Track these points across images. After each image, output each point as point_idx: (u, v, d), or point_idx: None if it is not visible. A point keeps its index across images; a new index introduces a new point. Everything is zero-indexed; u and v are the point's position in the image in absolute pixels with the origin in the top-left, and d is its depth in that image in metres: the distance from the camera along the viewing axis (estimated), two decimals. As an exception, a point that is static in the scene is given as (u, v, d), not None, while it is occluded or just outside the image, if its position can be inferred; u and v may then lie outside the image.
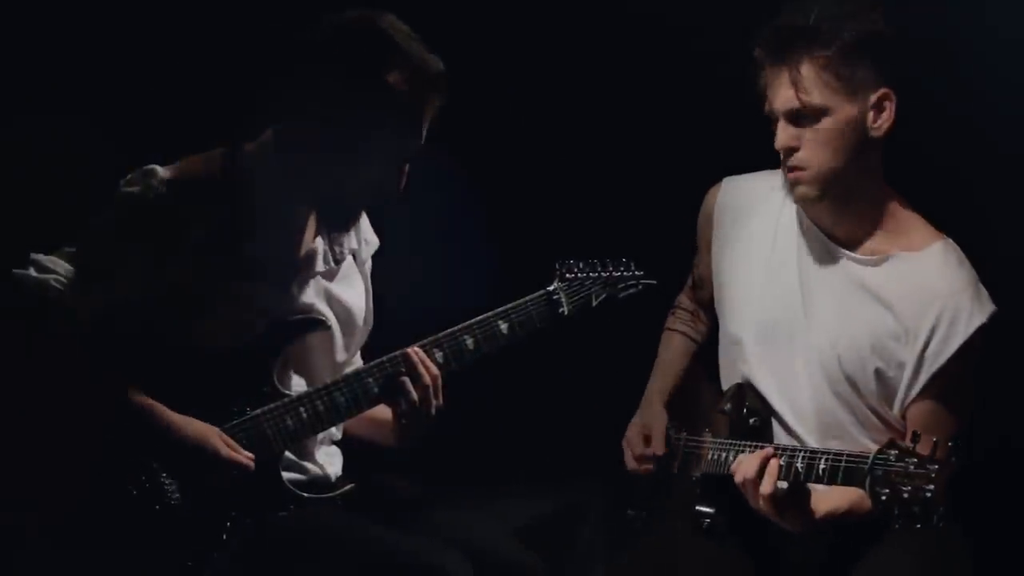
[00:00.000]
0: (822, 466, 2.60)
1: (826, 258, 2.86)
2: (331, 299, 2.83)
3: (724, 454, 2.85)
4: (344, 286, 2.87)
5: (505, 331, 2.84)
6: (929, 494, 2.41)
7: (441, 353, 2.79)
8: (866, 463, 2.50)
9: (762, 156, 2.87)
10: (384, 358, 2.77)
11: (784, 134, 2.77)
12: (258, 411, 2.69)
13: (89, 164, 3.09)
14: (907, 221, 2.85)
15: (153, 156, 2.73)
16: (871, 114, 2.75)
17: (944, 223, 2.86)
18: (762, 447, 2.72)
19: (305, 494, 2.74)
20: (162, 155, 2.74)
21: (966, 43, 3.27)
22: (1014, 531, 3.30)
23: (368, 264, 2.96)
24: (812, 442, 2.81)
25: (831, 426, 2.83)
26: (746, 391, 2.91)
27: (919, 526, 2.43)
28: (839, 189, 2.78)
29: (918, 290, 2.77)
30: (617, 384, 3.39)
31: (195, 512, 2.63)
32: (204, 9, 3.37)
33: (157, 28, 3.36)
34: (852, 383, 2.81)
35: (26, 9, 3.27)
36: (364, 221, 2.94)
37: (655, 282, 3.04)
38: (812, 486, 2.68)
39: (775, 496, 2.65)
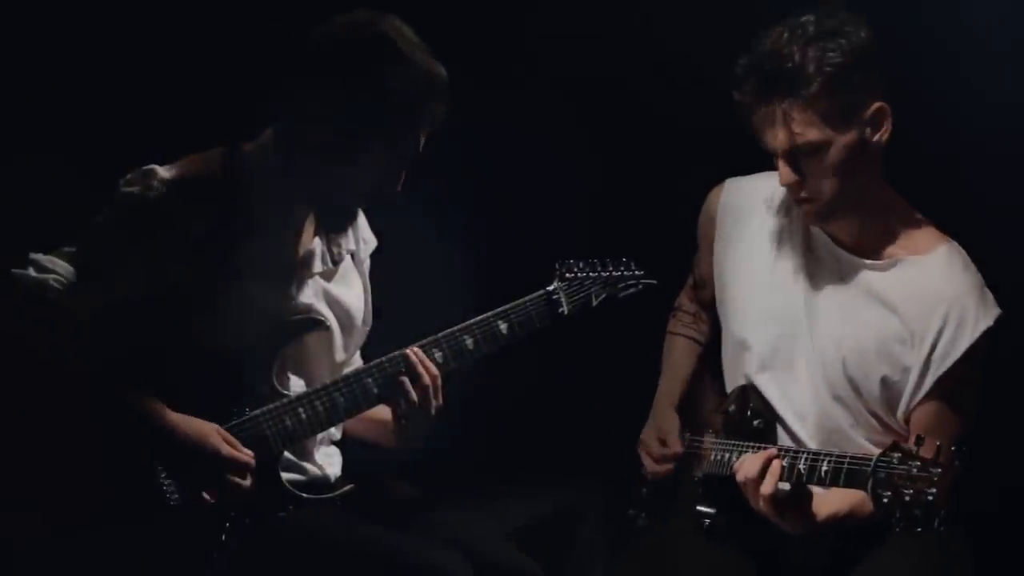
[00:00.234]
0: (824, 468, 2.59)
1: (831, 261, 2.85)
2: (330, 299, 2.83)
3: (727, 455, 2.85)
4: (343, 286, 2.87)
5: (505, 331, 2.84)
6: (931, 497, 2.40)
7: (441, 353, 2.79)
8: (869, 465, 2.50)
9: (763, 156, 2.87)
10: (383, 358, 2.77)
11: (786, 171, 2.74)
12: (257, 412, 2.69)
13: (89, 164, 3.09)
14: (912, 225, 2.84)
15: (153, 156, 2.73)
16: (868, 131, 2.72)
17: (944, 225, 2.86)
18: (765, 448, 2.72)
19: (304, 494, 2.74)
20: (162, 155, 2.74)
21: (958, 40, 3.27)
22: (1015, 534, 3.29)
23: (367, 264, 2.96)
24: (813, 445, 2.80)
25: (832, 429, 2.82)
26: (750, 393, 2.90)
27: (920, 530, 2.42)
28: (847, 203, 2.77)
29: (924, 293, 2.76)
30: (617, 384, 3.40)
31: (194, 512, 2.63)
32: (204, 8, 3.36)
33: (157, 27, 3.36)
34: (855, 386, 2.80)
35: (26, 8, 3.27)
36: (362, 221, 2.94)
37: (655, 281, 3.04)
38: (814, 489, 2.68)
39: (776, 497, 2.65)
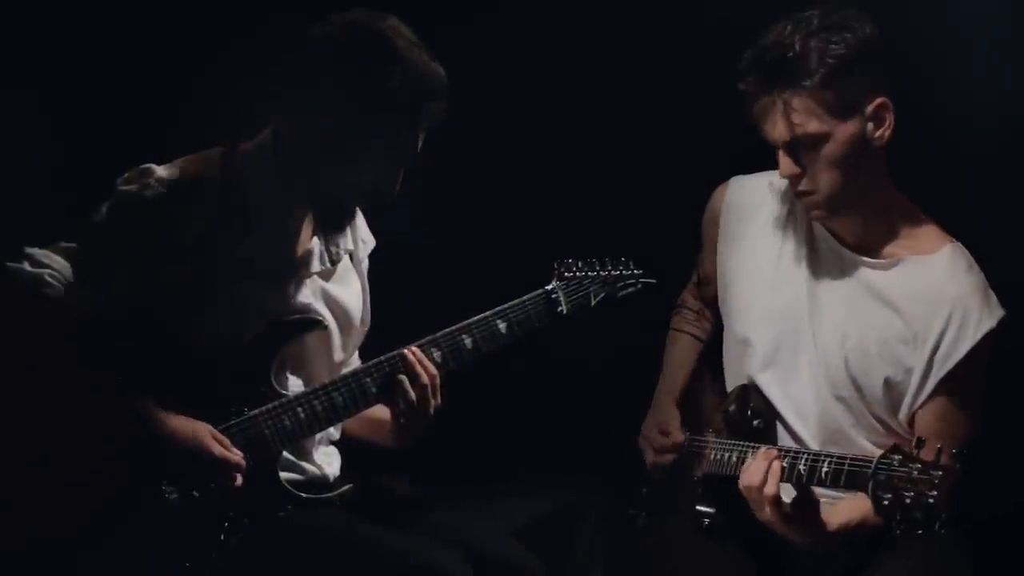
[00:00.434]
0: (825, 469, 2.59)
1: (835, 261, 2.85)
2: (328, 299, 2.83)
3: (727, 454, 2.84)
4: (341, 286, 2.87)
5: (503, 330, 2.84)
6: (932, 500, 2.40)
7: (439, 353, 2.79)
8: (869, 467, 2.49)
9: (763, 155, 2.86)
10: (382, 358, 2.77)
11: (786, 163, 2.74)
12: (256, 411, 2.69)
13: (87, 160, 3.09)
14: (916, 224, 2.83)
15: (151, 155, 2.72)
16: (870, 126, 2.72)
17: (946, 225, 2.86)
18: (765, 448, 2.71)
19: (303, 494, 2.73)
20: (160, 154, 2.73)
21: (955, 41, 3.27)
22: (1015, 536, 3.28)
23: (365, 264, 2.96)
24: (814, 445, 2.80)
25: (833, 429, 2.82)
26: (750, 392, 2.90)
27: (920, 532, 2.42)
28: (849, 200, 2.77)
29: (927, 294, 2.75)
30: (617, 383, 3.39)
31: (193, 512, 2.62)
32: (204, 7, 3.36)
33: (157, 26, 3.36)
34: (857, 386, 2.79)
35: (25, 7, 3.26)
36: (360, 221, 2.94)
37: (654, 281, 3.04)
38: (825, 499, 2.67)
39: (781, 506, 2.63)
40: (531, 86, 3.65)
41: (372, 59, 2.66)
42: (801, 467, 2.63)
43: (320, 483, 2.82)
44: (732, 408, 2.91)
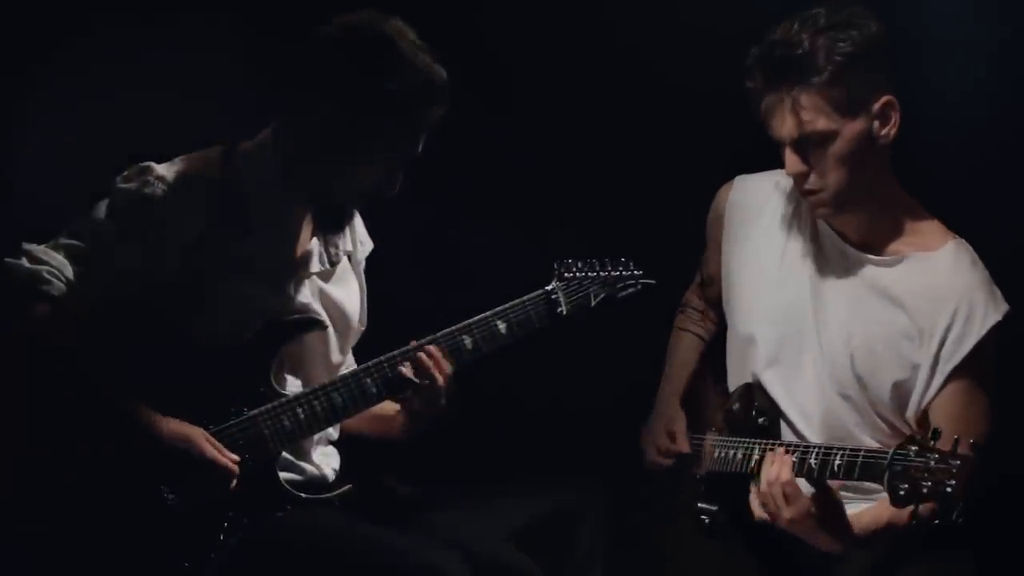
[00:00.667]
0: (838, 462, 2.57)
1: (839, 258, 2.85)
2: (326, 300, 2.83)
3: (730, 452, 2.84)
4: (339, 287, 2.87)
5: (503, 331, 2.84)
6: (950, 489, 2.39)
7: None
8: (885, 458, 2.48)
9: (764, 155, 2.86)
10: (382, 358, 2.77)
11: (793, 160, 2.74)
12: (255, 411, 2.69)
13: (87, 158, 3.09)
14: (920, 221, 2.83)
15: (150, 153, 2.72)
16: (876, 124, 2.72)
17: (947, 224, 2.85)
18: (771, 444, 2.71)
19: (302, 494, 2.73)
20: (159, 152, 2.73)
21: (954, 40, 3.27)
22: (1016, 538, 3.27)
23: (363, 266, 2.96)
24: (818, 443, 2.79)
25: (837, 428, 2.81)
26: (754, 390, 2.90)
27: (937, 522, 2.41)
28: (855, 197, 2.76)
29: (932, 290, 2.75)
30: (618, 384, 3.39)
31: (192, 513, 2.62)
32: (205, 6, 3.36)
33: (156, 25, 3.36)
34: (863, 385, 2.79)
35: (25, 5, 3.26)
36: (359, 223, 2.94)
37: (654, 281, 3.03)
38: (852, 507, 2.67)
39: (800, 508, 2.62)
40: (532, 86, 3.65)
41: (374, 61, 2.66)
42: (812, 461, 2.62)
43: (319, 483, 2.82)
44: (736, 406, 2.91)
